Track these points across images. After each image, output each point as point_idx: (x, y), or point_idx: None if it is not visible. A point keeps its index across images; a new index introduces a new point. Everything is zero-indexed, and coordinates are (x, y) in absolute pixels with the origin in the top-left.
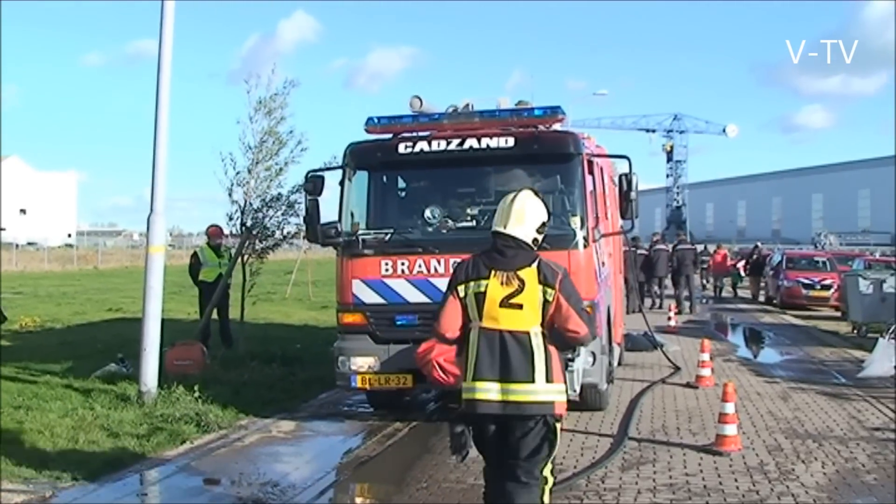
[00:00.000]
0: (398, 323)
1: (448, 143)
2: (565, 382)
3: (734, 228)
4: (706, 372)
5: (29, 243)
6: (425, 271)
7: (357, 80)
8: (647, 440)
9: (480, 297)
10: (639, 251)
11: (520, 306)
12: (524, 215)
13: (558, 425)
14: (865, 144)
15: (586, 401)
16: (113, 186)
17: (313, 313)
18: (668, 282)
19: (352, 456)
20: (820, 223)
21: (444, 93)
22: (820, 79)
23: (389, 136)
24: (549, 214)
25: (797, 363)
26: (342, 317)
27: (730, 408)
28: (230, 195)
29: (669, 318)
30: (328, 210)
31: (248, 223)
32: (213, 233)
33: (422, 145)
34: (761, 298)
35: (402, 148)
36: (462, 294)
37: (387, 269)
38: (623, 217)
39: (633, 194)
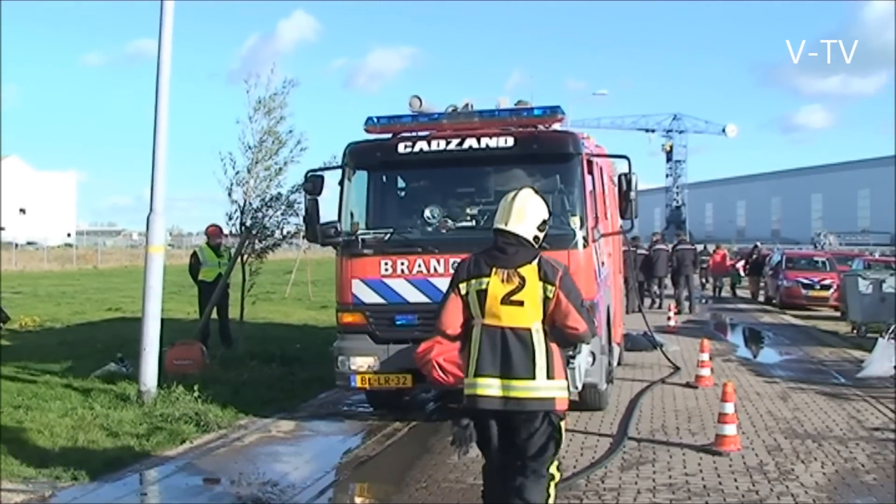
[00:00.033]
0: (398, 323)
1: (448, 143)
2: (567, 379)
3: (734, 228)
4: (706, 372)
5: (28, 243)
6: (425, 271)
7: (357, 80)
8: (646, 440)
9: (482, 295)
10: (639, 251)
11: (521, 303)
12: (525, 213)
13: (563, 423)
14: (865, 144)
15: (586, 401)
16: (112, 186)
17: (313, 313)
18: (667, 281)
19: (351, 456)
20: (819, 223)
21: (444, 93)
22: (820, 79)
23: (389, 135)
24: (550, 213)
25: (797, 363)
26: (342, 316)
27: (729, 408)
28: (230, 195)
29: (669, 318)
30: (328, 210)
31: (248, 223)
32: (213, 232)
33: (421, 145)
34: (761, 298)
35: (401, 148)
36: (464, 292)
37: (386, 269)
38: (622, 217)
39: (632, 194)
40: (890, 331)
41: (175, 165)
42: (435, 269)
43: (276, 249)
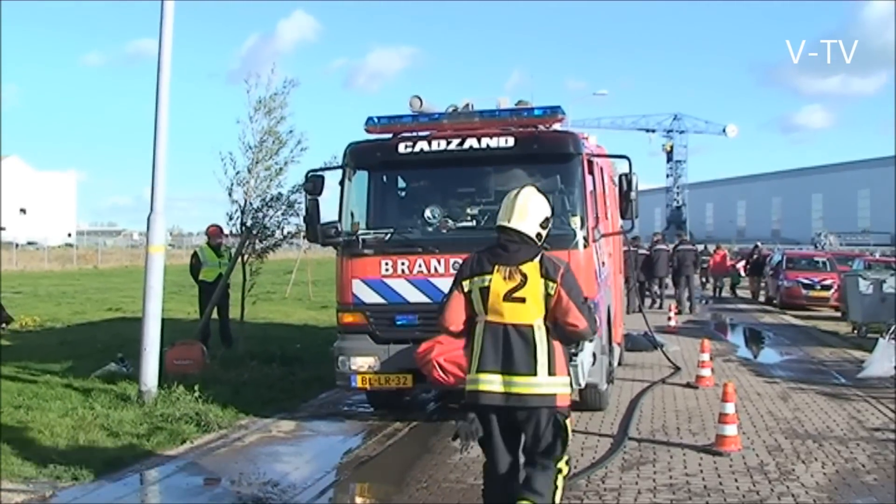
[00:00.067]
0: (398, 323)
1: (448, 143)
2: (569, 376)
3: (734, 228)
4: (706, 372)
5: (29, 243)
6: (425, 271)
7: (357, 80)
8: (647, 440)
9: (485, 292)
10: (639, 251)
11: (522, 300)
12: (527, 210)
13: (568, 422)
14: (865, 144)
15: (587, 401)
16: (112, 186)
17: (313, 313)
18: (668, 281)
19: (352, 456)
20: (820, 223)
21: (444, 93)
22: (820, 79)
23: (389, 135)
24: (552, 210)
25: (797, 363)
26: (342, 316)
27: (730, 408)
28: (230, 195)
29: (669, 319)
30: (328, 210)
31: (248, 223)
32: (213, 232)
33: (422, 145)
34: (761, 298)
35: (401, 148)
36: (467, 289)
37: (387, 269)
38: (623, 217)
39: (632, 194)
40: (890, 331)
41: (175, 165)
42: (435, 270)
43: (276, 249)
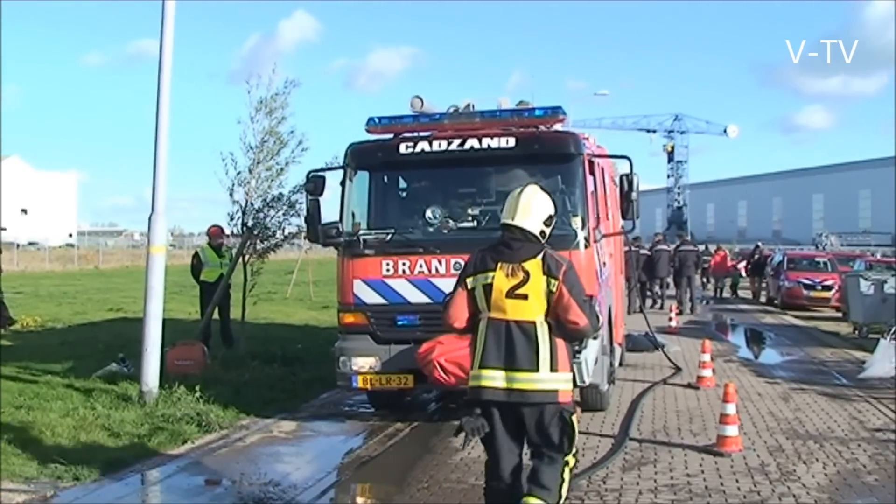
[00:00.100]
0: (399, 323)
1: (449, 144)
2: (573, 372)
3: (735, 229)
4: (707, 373)
5: (30, 243)
6: (426, 271)
7: (358, 80)
8: (648, 441)
9: (488, 289)
10: (641, 251)
11: (525, 297)
12: (531, 208)
13: (574, 418)
14: (866, 145)
15: (587, 401)
16: (113, 186)
17: (314, 313)
18: (669, 281)
19: (353, 456)
20: (821, 224)
21: (445, 93)
22: (820, 79)
23: (390, 136)
24: (556, 208)
25: (798, 364)
26: (343, 317)
27: (731, 408)
28: (231, 195)
29: (670, 319)
30: (329, 210)
31: (249, 223)
32: (214, 233)
33: (423, 145)
34: (762, 299)
35: (402, 148)
36: (471, 286)
37: (388, 270)
38: (624, 217)
39: (633, 195)
40: (891, 331)
41: (176, 166)
42: (436, 270)
43: (277, 250)
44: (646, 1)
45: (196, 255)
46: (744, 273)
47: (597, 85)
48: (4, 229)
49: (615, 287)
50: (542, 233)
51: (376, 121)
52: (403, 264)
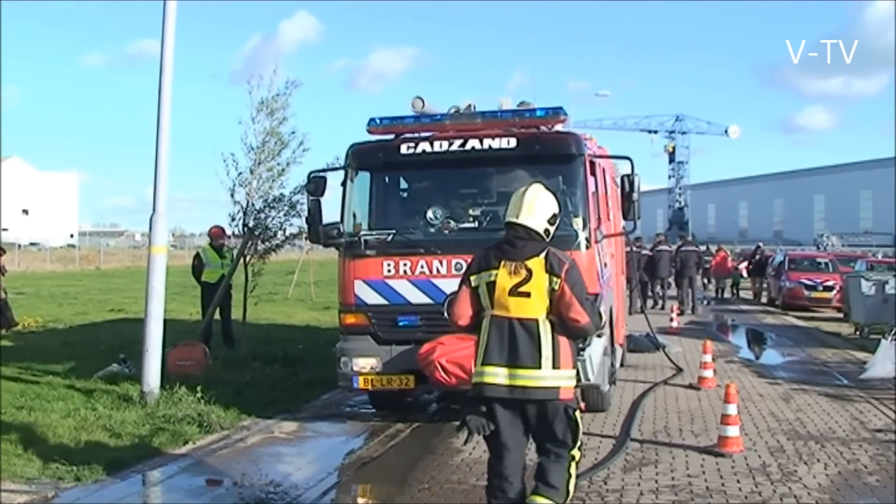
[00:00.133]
0: (400, 324)
1: (450, 144)
2: (576, 369)
3: (736, 229)
4: (708, 373)
5: (31, 244)
6: (427, 272)
7: (359, 81)
8: (649, 441)
9: (491, 287)
10: (642, 252)
11: (528, 295)
12: (535, 206)
13: (578, 414)
14: (867, 145)
15: (589, 402)
16: (114, 187)
17: (315, 314)
18: (670, 281)
19: (354, 457)
20: (822, 224)
21: (446, 93)
22: (821, 79)
23: (391, 136)
24: (560, 207)
25: (799, 364)
26: (344, 317)
27: (732, 409)
28: (232, 196)
29: (671, 320)
30: (330, 211)
31: (251, 224)
32: (216, 233)
33: (424, 146)
34: (763, 299)
35: (404, 149)
36: (475, 284)
37: (389, 270)
38: (625, 218)
39: (635, 195)
40: (892, 332)
41: (177, 166)
42: (437, 271)
43: (278, 251)
44: (646, 1)
45: (197, 256)
46: (745, 274)
47: (598, 85)
48: (6, 230)
49: (616, 288)
50: (547, 231)
51: (377, 121)
52: (404, 265)
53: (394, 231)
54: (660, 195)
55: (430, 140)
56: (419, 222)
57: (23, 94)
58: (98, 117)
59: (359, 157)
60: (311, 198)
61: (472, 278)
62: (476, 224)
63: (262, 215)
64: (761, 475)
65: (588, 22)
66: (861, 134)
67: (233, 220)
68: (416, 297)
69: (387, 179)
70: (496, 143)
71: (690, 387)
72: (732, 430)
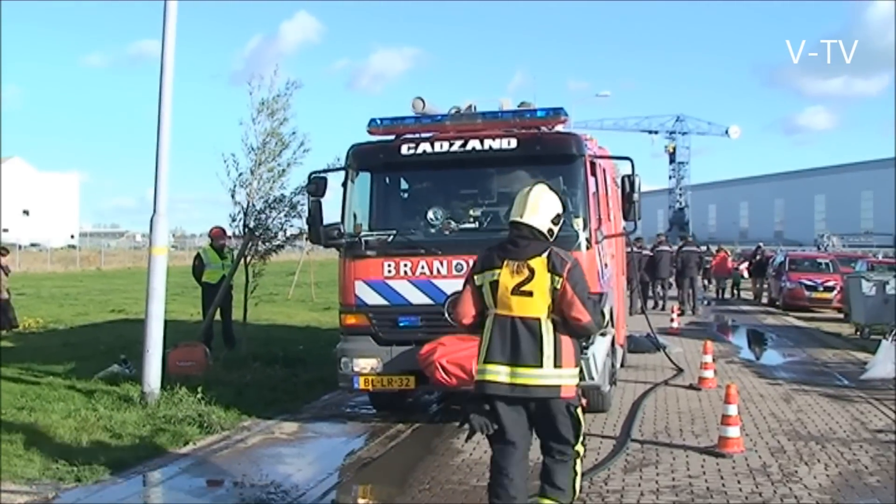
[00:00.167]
0: (401, 324)
1: (451, 145)
2: (579, 368)
3: (737, 230)
4: (709, 374)
5: (32, 244)
6: (428, 273)
7: (360, 81)
8: (649, 442)
9: (494, 286)
10: (643, 252)
11: (530, 294)
12: (539, 206)
13: (579, 411)
14: (868, 146)
15: (589, 402)
16: (115, 187)
17: (316, 314)
18: (671, 281)
19: (354, 457)
20: (822, 225)
21: (447, 94)
22: (822, 80)
23: (392, 137)
24: (564, 207)
25: (800, 365)
26: (345, 318)
27: (732, 409)
28: (233, 196)
29: (672, 320)
30: (331, 211)
31: (251, 224)
32: (216, 234)
33: (424, 147)
34: (764, 300)
35: (404, 149)
36: (478, 283)
37: (389, 271)
38: (626, 218)
39: (635, 196)
40: (893, 333)
41: (178, 167)
42: (438, 271)
43: (279, 251)
44: (647, 1)
45: (198, 257)
46: (746, 274)
47: (598, 86)
48: (6, 230)
49: (617, 288)
50: (550, 231)
51: (378, 122)
52: (405, 265)
53: (394, 232)
54: (660, 195)
55: (431, 141)
56: (420, 223)
57: (23, 94)
58: (99, 117)
59: (359, 158)
60: (311, 198)
61: (476, 278)
62: (476, 225)
63: (263, 216)
64: (762, 476)
65: (588, 22)
66: (862, 134)
67: (233, 220)
68: (417, 297)
69: (387, 180)
70: (497, 144)
71: (691, 387)
72: (733, 431)
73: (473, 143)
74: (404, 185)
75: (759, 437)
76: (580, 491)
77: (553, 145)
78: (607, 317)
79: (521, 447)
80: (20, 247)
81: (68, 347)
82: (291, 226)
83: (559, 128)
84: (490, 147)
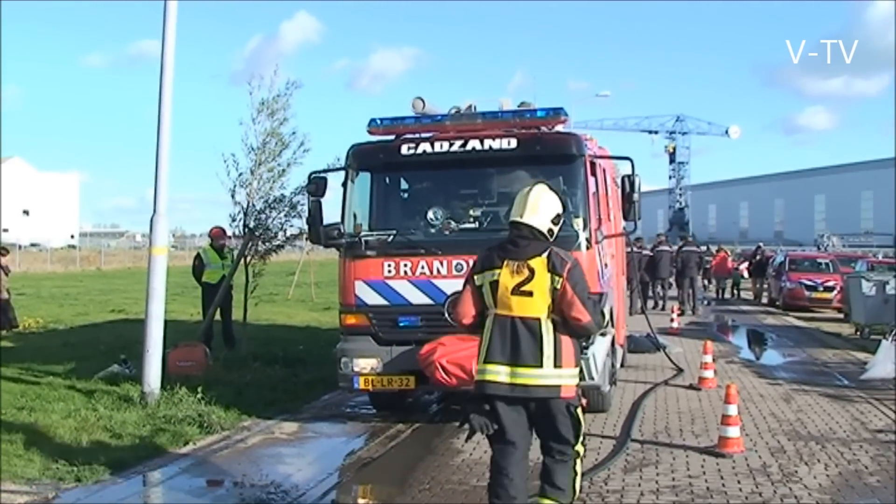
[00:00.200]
0: (401, 324)
1: (451, 145)
2: (579, 368)
3: (737, 230)
4: (709, 374)
5: (32, 244)
6: (428, 273)
7: (360, 81)
8: (649, 442)
9: (494, 286)
10: (643, 252)
11: (530, 294)
12: (539, 206)
13: (579, 411)
14: (868, 146)
15: (589, 402)
16: (115, 187)
17: (316, 314)
18: (671, 281)
19: (354, 457)
20: (822, 225)
21: (447, 94)
22: (822, 80)
23: (392, 137)
24: (564, 208)
25: (800, 365)
26: (345, 318)
27: (732, 409)
28: (233, 196)
29: (672, 320)
30: (331, 211)
31: (251, 224)
32: (216, 234)
33: (424, 147)
34: (764, 300)
35: (404, 149)
36: (478, 283)
37: (389, 271)
38: (626, 218)
39: (635, 196)
40: (893, 333)
41: (178, 167)
42: (438, 271)
43: (279, 251)
44: (647, 1)
45: (198, 257)
46: (746, 274)
47: (598, 86)
48: (6, 230)
49: (617, 288)
50: (551, 231)
51: (378, 122)
52: (405, 265)
53: (394, 232)
54: (660, 195)
55: (431, 141)
56: (420, 223)
57: (23, 94)
58: (99, 118)
59: (359, 158)
60: (311, 198)
61: (476, 278)
62: (476, 225)
63: (263, 216)
64: (762, 476)
65: (588, 22)
66: (862, 134)
67: (233, 220)
68: (417, 297)
69: (387, 180)
70: (497, 144)
71: (691, 387)
72: (733, 431)
73: (473, 143)
74: (404, 185)
75: (759, 437)
76: (580, 491)
77: (553, 145)
78: (607, 317)
79: (521, 447)
80: (20, 247)
81: (68, 347)
82: (291, 226)
83: (559, 128)
84: (490, 147)
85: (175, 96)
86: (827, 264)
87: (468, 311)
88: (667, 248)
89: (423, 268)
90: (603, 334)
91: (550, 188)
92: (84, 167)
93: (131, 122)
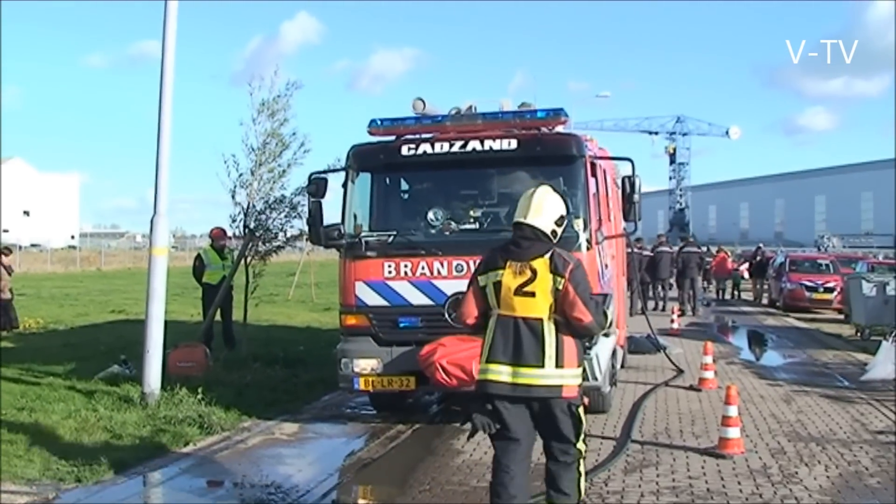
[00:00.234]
0: (401, 325)
1: (451, 146)
2: (582, 368)
3: (737, 231)
4: (709, 374)
5: (32, 245)
6: (428, 273)
7: (360, 82)
8: (649, 443)
9: (497, 286)
10: (643, 253)
11: (532, 294)
12: (542, 207)
13: (581, 410)
14: (868, 146)
15: (590, 403)
16: (116, 188)
17: (316, 315)
18: (671, 282)
19: (355, 458)
20: (823, 225)
21: (447, 94)
22: (823, 80)
23: (392, 137)
24: (568, 209)
25: (800, 366)
26: (345, 319)
27: (733, 410)
28: (233, 197)
29: (672, 321)
30: (331, 212)
31: (252, 225)
32: (217, 235)
33: (425, 147)
34: (764, 301)
35: (405, 150)
36: (482, 284)
37: (390, 271)
38: (626, 219)
39: (635, 196)
40: (893, 334)
41: (178, 167)
42: (438, 272)
43: (279, 252)
44: (647, 1)
45: (198, 257)
46: (746, 275)
47: (599, 86)
48: (7, 231)
49: (617, 289)
50: (554, 232)
51: (378, 122)
52: (405, 266)
53: (395, 232)
54: (661, 196)
55: (431, 141)
56: (420, 223)
57: (23, 94)
58: (99, 118)
59: (360, 159)
60: (311, 199)
61: (480, 278)
62: (477, 225)
63: (263, 217)
64: (762, 477)
65: (588, 22)
66: (862, 135)
67: (234, 221)
68: (417, 298)
69: (388, 181)
70: (497, 145)
71: (691, 388)
72: (733, 432)
73: (474, 144)
74: (405, 185)
75: (759, 439)
76: (584, 492)
77: (553, 146)
78: (610, 317)
79: (524, 444)
80: (20, 247)
81: (68, 348)
82: (292, 226)
83: (559, 128)
84: (490, 148)
85: (175, 97)
86: (827, 265)
87: (471, 312)
88: (667, 248)
89: (423, 268)
90: (606, 335)
91: (554, 190)
92: (84, 168)
93: (132, 123)
